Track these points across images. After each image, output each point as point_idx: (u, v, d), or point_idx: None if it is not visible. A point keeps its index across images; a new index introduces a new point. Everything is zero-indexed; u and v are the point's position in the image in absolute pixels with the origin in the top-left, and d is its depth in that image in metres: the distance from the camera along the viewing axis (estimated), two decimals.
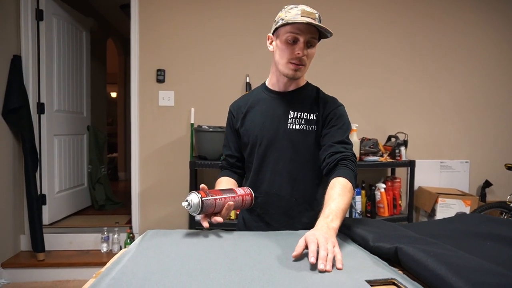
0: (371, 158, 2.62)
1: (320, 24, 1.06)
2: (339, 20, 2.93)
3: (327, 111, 1.19)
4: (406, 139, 2.81)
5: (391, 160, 2.70)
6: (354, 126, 2.58)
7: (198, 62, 2.85)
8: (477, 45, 3.09)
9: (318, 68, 2.92)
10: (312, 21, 1.05)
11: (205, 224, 1.01)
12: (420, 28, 3.02)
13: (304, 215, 1.22)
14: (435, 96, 3.07)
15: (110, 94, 7.13)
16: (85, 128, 3.68)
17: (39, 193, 2.78)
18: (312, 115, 1.19)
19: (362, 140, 2.70)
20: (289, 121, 1.19)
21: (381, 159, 2.66)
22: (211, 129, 2.52)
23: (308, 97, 1.22)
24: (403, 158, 2.74)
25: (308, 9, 1.08)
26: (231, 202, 1.02)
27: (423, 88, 3.05)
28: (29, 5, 2.74)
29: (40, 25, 2.85)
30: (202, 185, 1.04)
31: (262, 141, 1.20)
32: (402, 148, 2.75)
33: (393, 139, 2.81)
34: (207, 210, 0.98)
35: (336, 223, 0.90)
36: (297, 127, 1.18)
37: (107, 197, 3.76)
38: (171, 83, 2.83)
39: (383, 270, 0.75)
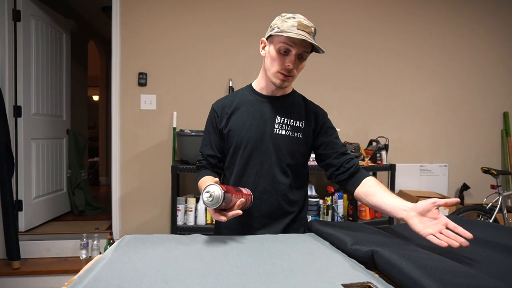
0: None
1: (314, 42, 1.07)
2: (320, 20, 2.95)
3: (320, 122, 1.24)
4: (387, 143, 2.86)
5: (372, 164, 2.74)
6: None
7: (181, 66, 2.83)
8: (457, 50, 3.18)
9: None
10: (307, 36, 1.05)
11: (223, 218, 0.97)
12: (401, 33, 3.09)
13: (286, 217, 1.23)
14: (415, 101, 3.14)
15: (92, 97, 7.01)
16: (65, 131, 3.60)
17: (15, 199, 2.70)
18: (299, 122, 1.21)
19: (344, 144, 2.72)
20: (276, 126, 1.20)
21: (363, 163, 2.69)
22: (193, 133, 2.50)
23: (295, 104, 1.24)
24: (384, 162, 2.78)
25: (305, 22, 1.08)
26: (243, 199, 1.01)
27: (403, 93, 3.12)
28: (6, 6, 2.66)
29: (18, 26, 2.78)
30: (215, 179, 1.01)
31: (248, 144, 1.20)
32: (383, 152, 2.79)
33: (374, 144, 2.86)
34: (225, 204, 0.95)
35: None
36: (284, 132, 1.19)
37: (87, 202, 3.68)
38: (153, 87, 2.80)
39: (359, 274, 0.75)
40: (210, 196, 0.93)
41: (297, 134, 1.21)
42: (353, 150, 2.69)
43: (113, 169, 2.79)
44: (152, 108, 2.80)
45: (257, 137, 1.19)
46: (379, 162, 2.76)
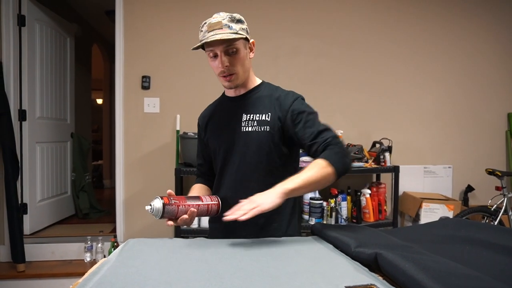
0: (356, 164, 2.65)
1: (223, 37, 1.07)
2: (323, 22, 2.96)
3: (285, 111, 1.16)
4: (390, 145, 2.85)
5: (376, 166, 2.73)
6: (339, 132, 2.61)
7: (184, 69, 2.84)
8: (460, 52, 3.17)
9: (303, 72, 2.95)
10: (214, 35, 1.08)
11: (169, 222, 1.05)
12: (404, 35, 3.09)
13: (261, 215, 1.20)
14: (419, 102, 3.13)
15: (95, 101, 7.05)
16: (69, 135, 3.62)
17: (20, 202, 2.72)
18: (265, 115, 1.18)
19: (347, 146, 2.73)
20: (243, 124, 1.20)
21: (366, 165, 2.68)
22: (196, 136, 2.50)
23: (261, 98, 1.22)
24: (388, 164, 2.77)
25: (214, 20, 1.12)
26: (194, 209, 1.06)
27: (406, 94, 3.11)
28: (11, 10, 2.69)
29: (22, 30, 2.81)
30: (168, 191, 1.06)
31: (221, 147, 1.24)
32: (387, 154, 2.78)
33: (377, 145, 2.85)
34: (169, 215, 1.03)
35: (287, 184, 1.00)
36: (250, 129, 1.19)
37: (92, 205, 3.69)
38: (157, 90, 2.81)
39: (363, 276, 0.75)
40: (152, 208, 1.02)
41: (264, 128, 1.17)
42: (356, 152, 2.69)
43: (117, 172, 2.80)
44: (156, 111, 2.81)
45: (228, 140, 1.22)
46: (383, 163, 2.75)
